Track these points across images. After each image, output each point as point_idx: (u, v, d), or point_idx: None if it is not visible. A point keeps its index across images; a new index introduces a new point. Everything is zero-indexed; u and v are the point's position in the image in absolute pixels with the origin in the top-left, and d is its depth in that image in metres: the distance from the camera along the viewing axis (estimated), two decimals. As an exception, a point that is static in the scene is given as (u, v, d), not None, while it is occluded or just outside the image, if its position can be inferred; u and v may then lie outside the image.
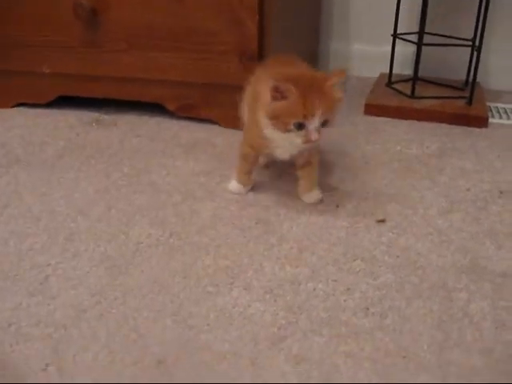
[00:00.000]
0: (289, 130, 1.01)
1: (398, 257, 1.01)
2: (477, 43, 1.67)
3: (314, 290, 0.93)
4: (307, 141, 1.02)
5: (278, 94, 0.99)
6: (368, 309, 0.88)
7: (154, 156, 1.40)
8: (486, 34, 1.90)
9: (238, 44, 1.48)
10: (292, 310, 0.88)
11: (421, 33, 1.70)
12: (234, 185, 1.23)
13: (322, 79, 1.02)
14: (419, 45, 1.70)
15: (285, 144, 1.09)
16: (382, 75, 1.95)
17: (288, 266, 0.98)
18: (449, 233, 1.09)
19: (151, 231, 1.09)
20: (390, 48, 1.83)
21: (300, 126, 1.00)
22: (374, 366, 0.78)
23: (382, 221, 1.12)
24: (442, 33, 1.85)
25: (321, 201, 1.20)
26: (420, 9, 1.81)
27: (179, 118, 1.62)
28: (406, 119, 1.67)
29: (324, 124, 1.02)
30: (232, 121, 1.51)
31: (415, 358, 0.79)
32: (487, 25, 1.86)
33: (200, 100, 1.61)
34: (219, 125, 1.57)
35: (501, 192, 1.25)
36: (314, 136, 1.01)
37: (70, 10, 1.54)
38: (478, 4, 1.68)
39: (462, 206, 1.19)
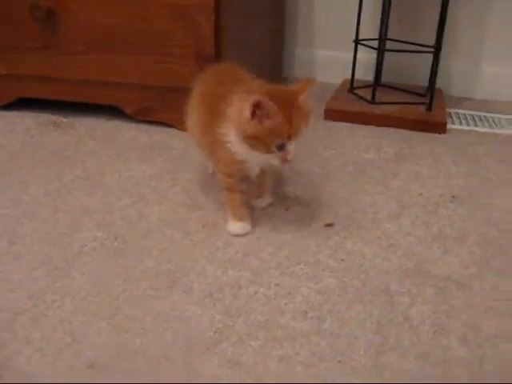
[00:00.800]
0: (270, 151, 0.94)
1: (342, 260, 1.00)
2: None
3: (255, 293, 0.91)
4: (285, 161, 0.96)
5: (261, 112, 0.91)
6: (307, 313, 0.87)
7: (109, 159, 1.38)
8: (448, 41, 1.92)
9: (195, 46, 1.48)
10: (230, 314, 0.87)
11: (381, 39, 1.70)
12: (233, 226, 1.09)
13: (295, 94, 0.96)
14: (380, 51, 1.69)
15: (259, 163, 1.03)
16: (345, 81, 1.95)
17: (231, 270, 0.97)
18: (397, 237, 1.08)
19: (97, 234, 1.07)
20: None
21: (281, 147, 0.95)
22: (308, 370, 0.77)
23: (330, 224, 1.11)
24: (405, 39, 1.85)
25: (271, 204, 1.18)
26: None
27: (138, 121, 1.59)
28: (365, 124, 1.67)
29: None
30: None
31: (350, 362, 0.78)
32: (450, 31, 1.88)
33: (158, 103, 1.60)
34: (177, 128, 1.55)
35: (453, 197, 1.25)
36: (291, 156, 0.96)
37: (26, 10, 1.51)
38: (439, 11, 1.68)
39: (412, 210, 1.18)
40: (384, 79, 1.97)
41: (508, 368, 0.78)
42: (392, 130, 1.65)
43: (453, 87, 2.05)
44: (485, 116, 1.84)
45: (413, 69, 1.98)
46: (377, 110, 1.70)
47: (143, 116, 1.62)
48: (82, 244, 1.04)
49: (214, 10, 1.44)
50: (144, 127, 1.59)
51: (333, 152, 1.47)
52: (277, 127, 0.92)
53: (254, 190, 1.15)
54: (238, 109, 0.94)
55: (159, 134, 1.55)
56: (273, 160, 0.96)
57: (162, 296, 0.91)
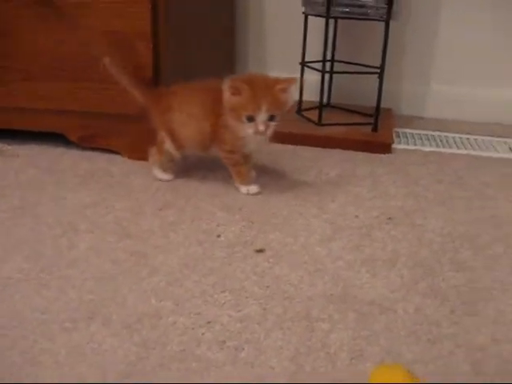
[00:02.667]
0: (242, 122, 1.20)
1: (267, 287, 0.99)
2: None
3: (174, 323, 0.90)
4: (256, 131, 1.21)
5: (234, 90, 1.18)
6: (225, 342, 0.86)
7: (48, 187, 1.37)
8: (398, 61, 1.94)
9: (134, 72, 1.46)
10: (146, 345, 0.85)
11: (324, 61, 1.70)
12: (245, 189, 1.37)
13: (272, 82, 1.22)
14: (322, 73, 1.70)
15: (252, 139, 1.26)
16: (295, 103, 1.95)
17: (153, 300, 0.96)
18: (325, 261, 1.08)
19: (24, 265, 1.06)
20: (306, 76, 1.85)
21: (250, 119, 1.20)
22: (217, 402, 0.75)
23: (261, 250, 1.10)
24: (352, 60, 1.86)
25: (259, 193, 1.38)
26: (331, 37, 1.83)
27: (83, 148, 1.58)
28: (311, 146, 1.67)
29: (271, 119, 1.23)
30: (132, 150, 1.50)
31: (261, 393, 0.77)
32: (399, 51, 1.90)
33: (102, 130, 1.59)
34: (120, 154, 1.54)
35: (389, 218, 1.25)
36: (261, 127, 1.21)
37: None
38: (383, 32, 1.70)
39: (345, 233, 1.18)
40: (334, 100, 1.99)
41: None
42: (337, 151, 1.65)
43: (403, 107, 2.07)
44: (432, 135, 1.86)
45: (362, 90, 1.99)
46: (322, 131, 1.70)
47: (88, 143, 1.61)
48: (8, 276, 1.03)
49: (152, 37, 1.44)
50: (88, 154, 1.58)
51: (273, 175, 1.46)
52: (244, 101, 1.19)
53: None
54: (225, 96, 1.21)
55: (102, 161, 1.54)
56: (247, 129, 1.22)
57: (79, 328, 0.89)
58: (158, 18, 1.43)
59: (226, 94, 1.21)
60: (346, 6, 1.67)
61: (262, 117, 1.20)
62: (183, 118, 1.33)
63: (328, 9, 1.66)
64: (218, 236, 1.16)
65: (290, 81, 1.23)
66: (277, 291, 0.99)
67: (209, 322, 0.91)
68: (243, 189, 1.36)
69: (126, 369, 0.81)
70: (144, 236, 1.16)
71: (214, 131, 1.31)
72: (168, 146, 1.40)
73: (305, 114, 1.86)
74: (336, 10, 1.68)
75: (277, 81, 1.22)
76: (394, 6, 1.67)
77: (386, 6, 1.63)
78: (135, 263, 1.06)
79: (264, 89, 1.20)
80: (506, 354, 0.86)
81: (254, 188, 1.36)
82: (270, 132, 1.24)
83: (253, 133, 1.22)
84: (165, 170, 1.42)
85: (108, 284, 1.00)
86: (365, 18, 1.68)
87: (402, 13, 1.97)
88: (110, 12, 1.45)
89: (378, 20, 1.67)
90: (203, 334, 0.88)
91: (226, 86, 1.20)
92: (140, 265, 1.06)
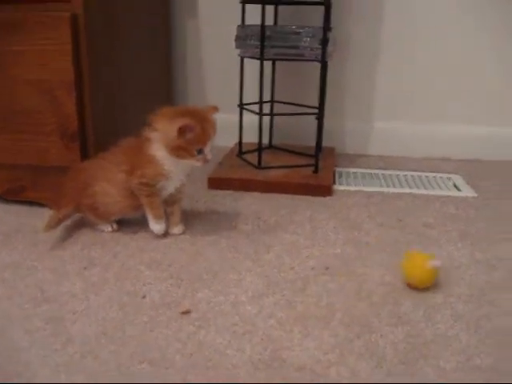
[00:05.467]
0: (193, 156, 1.24)
1: (191, 355, 0.92)
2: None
3: (84, 403, 0.81)
4: (205, 161, 1.26)
5: (185, 130, 1.21)
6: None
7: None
8: (339, 100, 1.91)
9: (59, 124, 1.41)
10: (49, 433, 0.76)
11: (261, 102, 1.66)
12: (156, 226, 1.34)
13: (206, 112, 1.27)
14: (260, 115, 1.65)
15: (178, 173, 1.30)
16: (236, 145, 1.89)
17: (63, 375, 0.87)
18: (256, 321, 1.01)
19: None
20: (247, 117, 1.81)
21: (200, 151, 1.24)
22: None
23: (187, 312, 1.02)
24: (293, 101, 1.82)
25: (184, 231, 1.39)
26: (270, 79, 1.79)
27: (8, 201, 1.49)
28: (250, 191, 1.61)
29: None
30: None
31: None
32: (340, 90, 1.87)
33: (28, 182, 1.51)
34: (47, 207, 1.45)
35: (326, 268, 1.19)
36: (209, 157, 1.26)
37: None
38: (319, 74, 1.66)
39: (279, 287, 1.12)
40: (276, 141, 1.94)
41: None
42: (276, 195, 1.59)
43: (346, 145, 2.03)
44: (376, 173, 1.81)
45: (303, 130, 1.95)
46: (261, 175, 1.64)
47: (13, 196, 1.52)
48: None
49: (76, 86, 1.37)
50: (14, 208, 1.50)
51: (208, 225, 1.39)
52: (197, 138, 1.22)
53: (171, 219, 1.37)
54: (164, 130, 1.24)
55: (28, 215, 1.46)
56: (196, 163, 1.26)
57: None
58: (82, 65, 1.36)
59: (173, 135, 1.22)
60: (280, 47, 1.62)
61: (209, 147, 1.26)
62: (102, 187, 1.33)
63: (262, 51, 1.61)
64: (143, 297, 1.08)
65: (214, 108, 1.30)
66: (200, 359, 0.91)
67: (123, 400, 0.82)
68: (153, 224, 1.34)
69: None
70: (63, 300, 1.08)
71: (130, 173, 1.31)
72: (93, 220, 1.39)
73: (245, 156, 1.80)
74: (270, 52, 1.63)
75: (206, 110, 1.28)
76: (330, 47, 1.63)
77: (320, 46, 1.58)
78: (50, 332, 0.98)
79: (205, 120, 1.25)
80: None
81: (163, 226, 1.35)
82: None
83: (201, 164, 1.26)
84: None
85: (18, 358, 0.92)
86: (300, 59, 1.63)
87: (339, 49, 1.93)
88: (33, 60, 1.38)
89: (313, 60, 1.62)
90: (116, 413, 0.79)
91: (175, 127, 1.21)
92: (55, 334, 0.97)
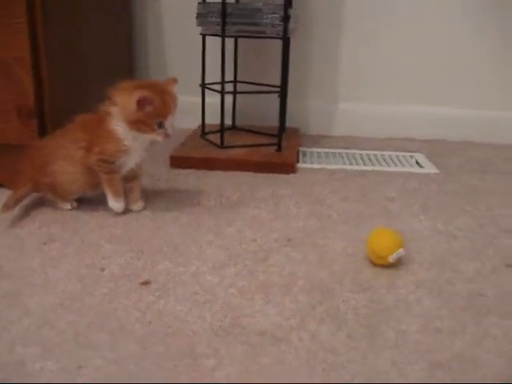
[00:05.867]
0: (153, 130, 1.21)
1: (150, 323, 0.90)
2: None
3: (41, 369, 0.79)
4: (166, 136, 1.23)
5: (144, 103, 1.18)
6: (95, 389, 0.75)
7: None
8: (302, 80, 1.91)
9: (16, 101, 1.37)
10: (3, 400, 0.73)
11: (223, 82, 1.64)
12: (115, 204, 1.32)
13: (165, 85, 1.25)
14: (222, 94, 1.63)
15: (138, 148, 1.27)
16: (199, 126, 1.87)
17: (19, 346, 0.85)
18: (217, 290, 0.99)
19: None
20: (209, 98, 1.78)
21: (160, 125, 1.21)
22: None
23: (147, 283, 1.01)
24: (256, 81, 1.81)
25: (144, 208, 1.37)
26: (232, 58, 1.77)
27: (-35, 183, 1.45)
28: (212, 170, 1.60)
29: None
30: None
31: None
32: (303, 70, 1.87)
33: (-17, 162, 1.45)
34: (6, 187, 1.41)
35: (288, 240, 1.18)
36: (170, 131, 1.23)
37: None
38: (281, 52, 1.65)
39: (240, 258, 1.10)
40: (239, 122, 1.92)
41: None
42: (240, 173, 1.58)
43: (310, 126, 2.03)
44: (339, 153, 1.82)
45: (266, 110, 1.94)
46: (224, 154, 1.62)
47: (-31, 177, 1.47)
48: None
49: (33, 63, 1.34)
50: (-31, 189, 1.45)
51: (170, 202, 1.38)
52: (156, 110, 1.19)
53: (130, 196, 1.35)
54: (123, 104, 1.21)
55: (-16, 195, 1.40)
56: (156, 137, 1.23)
57: None
58: (38, 41, 1.33)
59: (132, 108, 1.19)
60: (242, 24, 1.60)
61: (170, 120, 1.22)
62: (61, 165, 1.30)
63: (223, 28, 1.60)
64: (102, 270, 1.06)
65: (174, 80, 1.28)
66: (159, 327, 0.90)
67: (80, 367, 0.80)
68: (112, 202, 1.31)
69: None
70: (21, 274, 1.05)
71: (88, 149, 1.28)
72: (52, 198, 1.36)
73: (208, 137, 1.78)
74: (232, 29, 1.61)
75: (166, 83, 1.26)
76: (292, 23, 1.62)
77: (281, 23, 1.57)
78: (7, 305, 0.95)
79: (165, 93, 1.22)
80: (410, 379, 0.79)
81: (122, 204, 1.32)
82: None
83: (162, 138, 1.23)
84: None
85: (-30, 332, 0.88)
86: (262, 36, 1.62)
87: (302, 29, 1.93)
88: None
89: (275, 38, 1.61)
90: (72, 379, 0.77)
91: (134, 100, 1.18)
92: (11, 307, 0.95)
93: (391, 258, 1.07)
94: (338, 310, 0.96)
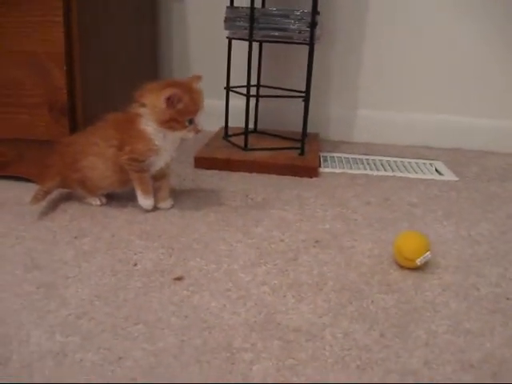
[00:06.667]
0: (184, 127, 1.24)
1: (186, 317, 0.92)
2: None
3: (81, 361, 0.81)
4: (196, 131, 1.26)
5: (173, 100, 1.21)
6: (135, 379, 0.77)
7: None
8: (324, 87, 1.93)
9: (48, 96, 1.39)
10: (48, 387, 0.75)
11: (249, 85, 1.66)
12: (145, 202, 1.34)
13: (190, 82, 1.27)
14: (248, 97, 1.66)
15: (168, 148, 1.30)
16: (222, 128, 1.89)
17: (58, 335, 0.87)
18: (249, 287, 1.01)
19: None
20: (231, 102, 1.81)
21: (191, 121, 1.24)
22: None
23: (180, 278, 1.03)
24: (279, 85, 1.83)
25: (173, 206, 1.39)
26: (256, 63, 1.79)
27: (-6, 177, 1.48)
28: (236, 171, 1.62)
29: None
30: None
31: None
32: (325, 77, 1.89)
33: (14, 157, 1.48)
34: (34, 182, 1.44)
35: (316, 241, 1.20)
36: (200, 126, 1.26)
37: None
38: (307, 58, 1.67)
39: (270, 258, 1.12)
40: (262, 126, 1.95)
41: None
42: (263, 175, 1.60)
43: (330, 132, 2.05)
44: (360, 158, 1.83)
45: (288, 116, 1.97)
46: (248, 156, 1.65)
47: (-1, 171, 1.50)
48: None
49: (66, 58, 1.36)
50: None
51: (196, 200, 1.40)
52: (186, 107, 1.22)
53: (159, 193, 1.37)
54: (153, 104, 1.23)
55: (14, 189, 1.44)
56: (188, 134, 1.26)
57: (-27, 371, 0.78)
58: (72, 37, 1.35)
59: (162, 107, 1.22)
60: (269, 29, 1.63)
61: (199, 116, 1.26)
62: (91, 161, 1.32)
63: (250, 32, 1.62)
64: (135, 265, 1.08)
65: (198, 77, 1.30)
66: (196, 321, 0.91)
67: (120, 358, 0.82)
68: (142, 199, 1.33)
69: (23, 414, 0.71)
70: (54, 267, 1.07)
71: (120, 148, 1.30)
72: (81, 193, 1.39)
73: (231, 139, 1.80)
74: (259, 34, 1.64)
75: (190, 80, 1.29)
76: (318, 30, 1.64)
77: (308, 29, 1.60)
78: (43, 296, 0.97)
79: (192, 90, 1.25)
80: (439, 378, 0.80)
81: (151, 202, 1.34)
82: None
83: (193, 135, 1.26)
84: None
85: (11, 320, 0.90)
86: (288, 41, 1.64)
87: (327, 37, 1.95)
88: (21, 31, 1.36)
89: (301, 43, 1.63)
90: (112, 371, 0.79)
91: (163, 99, 1.21)
92: (48, 298, 0.97)
93: (419, 261, 1.09)
94: (368, 310, 0.98)
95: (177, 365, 0.82)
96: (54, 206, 1.35)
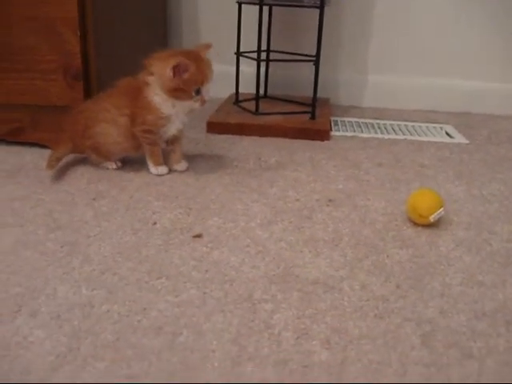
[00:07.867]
0: (190, 97, 1.24)
1: (206, 271, 0.94)
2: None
3: (108, 311, 0.84)
4: (203, 102, 1.26)
5: (180, 70, 1.20)
6: (161, 328, 0.80)
7: (-30, 183, 1.28)
8: (334, 52, 1.93)
9: (62, 62, 1.40)
10: (77, 336, 0.79)
11: (259, 50, 1.67)
12: (154, 170, 1.37)
13: (199, 52, 1.26)
14: (258, 61, 1.67)
15: (178, 115, 1.30)
16: (232, 95, 1.91)
17: (84, 289, 0.89)
18: (267, 243, 1.03)
19: None
20: (241, 67, 1.81)
21: (198, 91, 1.24)
22: (155, 388, 0.70)
23: (199, 236, 1.05)
24: (289, 50, 1.84)
25: (187, 168, 1.40)
26: (266, 28, 1.80)
27: (9, 142, 1.50)
28: (248, 135, 1.64)
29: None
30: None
31: (202, 376, 0.72)
32: (335, 42, 1.89)
33: (28, 123, 1.50)
34: (50, 148, 1.46)
35: (330, 200, 1.22)
36: (207, 97, 1.26)
37: None
38: (317, 22, 1.67)
39: (286, 216, 1.14)
40: (273, 91, 1.96)
41: (370, 368, 0.74)
42: (275, 139, 1.62)
43: (341, 97, 2.06)
44: (370, 123, 1.85)
45: (299, 80, 1.98)
46: (259, 120, 1.66)
47: (13, 137, 1.52)
48: None
49: (80, 23, 1.37)
50: (15, 149, 1.50)
51: (210, 164, 1.42)
52: (193, 77, 1.22)
53: (173, 156, 1.39)
54: (160, 73, 1.24)
55: (30, 154, 1.46)
56: (194, 104, 1.26)
57: (4, 322, 0.82)
58: (86, 2, 1.36)
59: (169, 76, 1.22)
60: (280, -7, 1.63)
61: (207, 87, 1.25)
62: (103, 128, 1.33)
63: (261, -5, 1.62)
64: (154, 224, 1.10)
65: (207, 45, 1.28)
66: (217, 275, 0.94)
67: (144, 309, 0.85)
68: (153, 169, 1.36)
69: (55, 361, 0.75)
70: (76, 226, 1.09)
71: (132, 120, 1.31)
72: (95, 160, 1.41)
73: (242, 104, 1.82)
74: (269, -3, 1.64)
75: (199, 49, 1.28)
76: (328, -7, 1.65)
77: (319, -8, 1.60)
78: (66, 254, 1.00)
79: (200, 59, 1.24)
80: (455, 326, 0.83)
81: (163, 169, 1.37)
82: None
83: (200, 105, 1.27)
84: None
85: (37, 276, 0.93)
86: (298, 4, 1.65)
87: (337, 0, 1.95)
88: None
89: (312, 7, 1.64)
90: (139, 321, 0.82)
91: (170, 67, 1.21)
92: (71, 255, 0.99)
93: (432, 218, 1.11)
94: (384, 264, 1.00)
95: (201, 314, 0.84)
96: (71, 170, 1.37)
